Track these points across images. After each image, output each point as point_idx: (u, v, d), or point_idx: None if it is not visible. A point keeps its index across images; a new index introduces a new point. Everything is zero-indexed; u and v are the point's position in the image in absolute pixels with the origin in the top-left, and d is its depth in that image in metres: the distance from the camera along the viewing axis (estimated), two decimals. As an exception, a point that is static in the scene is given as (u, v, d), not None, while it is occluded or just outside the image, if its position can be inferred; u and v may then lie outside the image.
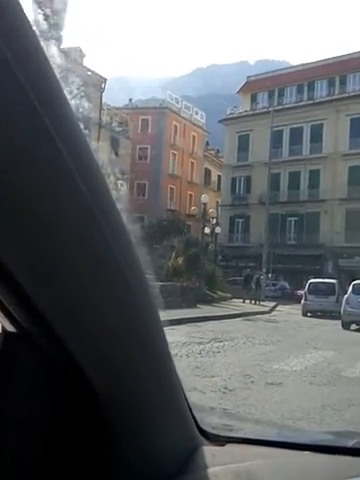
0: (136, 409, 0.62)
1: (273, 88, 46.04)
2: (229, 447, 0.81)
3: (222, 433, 0.86)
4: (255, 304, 25.44)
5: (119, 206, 0.56)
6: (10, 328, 0.55)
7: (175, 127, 49.88)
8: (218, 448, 0.79)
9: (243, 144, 45.55)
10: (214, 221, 30.86)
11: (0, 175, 0.42)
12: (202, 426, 0.80)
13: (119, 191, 0.62)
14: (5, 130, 0.42)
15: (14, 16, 0.44)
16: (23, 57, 0.44)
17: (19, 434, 0.57)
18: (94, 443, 0.59)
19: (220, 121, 48.67)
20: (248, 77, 50.58)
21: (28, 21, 0.45)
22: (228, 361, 8.16)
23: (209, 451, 0.75)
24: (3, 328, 0.57)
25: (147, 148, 46.93)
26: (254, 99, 47.82)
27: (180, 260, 22.17)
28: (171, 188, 48.92)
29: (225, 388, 6.03)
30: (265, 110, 43.30)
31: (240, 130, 45.43)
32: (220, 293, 24.59)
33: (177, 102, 51.60)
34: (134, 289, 0.58)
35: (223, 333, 11.95)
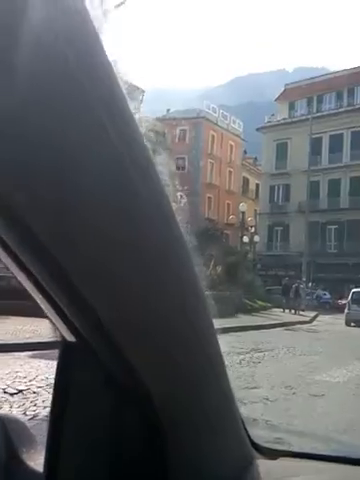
0: (190, 417, 0.62)
1: (311, 95, 45.57)
2: (281, 461, 0.80)
3: (273, 446, 0.84)
4: (295, 314, 25.09)
5: (179, 217, 0.57)
6: (70, 338, 0.56)
7: (212, 136, 49.92)
8: (271, 462, 0.77)
9: (281, 152, 45.18)
10: (252, 230, 30.71)
11: (72, 190, 0.43)
12: (254, 439, 0.79)
13: (178, 203, 0.63)
14: (76, 149, 0.43)
15: (87, 37, 0.45)
16: (96, 77, 0.45)
17: (77, 442, 0.59)
18: (148, 450, 0.59)
19: (258, 129, 48.47)
20: (286, 85, 50.24)
21: (101, 41, 0.46)
22: (269, 372, 8.05)
23: (263, 465, 0.74)
24: (63, 337, 0.58)
25: (184, 158, 47.08)
26: (292, 107, 47.44)
27: (219, 269, 22.08)
28: (209, 197, 48.88)
29: (266, 399, 5.95)
30: (304, 117, 42.87)
31: (278, 138, 45.12)
32: (260, 302, 24.34)
33: (214, 112, 51.67)
34: (190, 295, 0.58)
35: (263, 343, 11.80)
